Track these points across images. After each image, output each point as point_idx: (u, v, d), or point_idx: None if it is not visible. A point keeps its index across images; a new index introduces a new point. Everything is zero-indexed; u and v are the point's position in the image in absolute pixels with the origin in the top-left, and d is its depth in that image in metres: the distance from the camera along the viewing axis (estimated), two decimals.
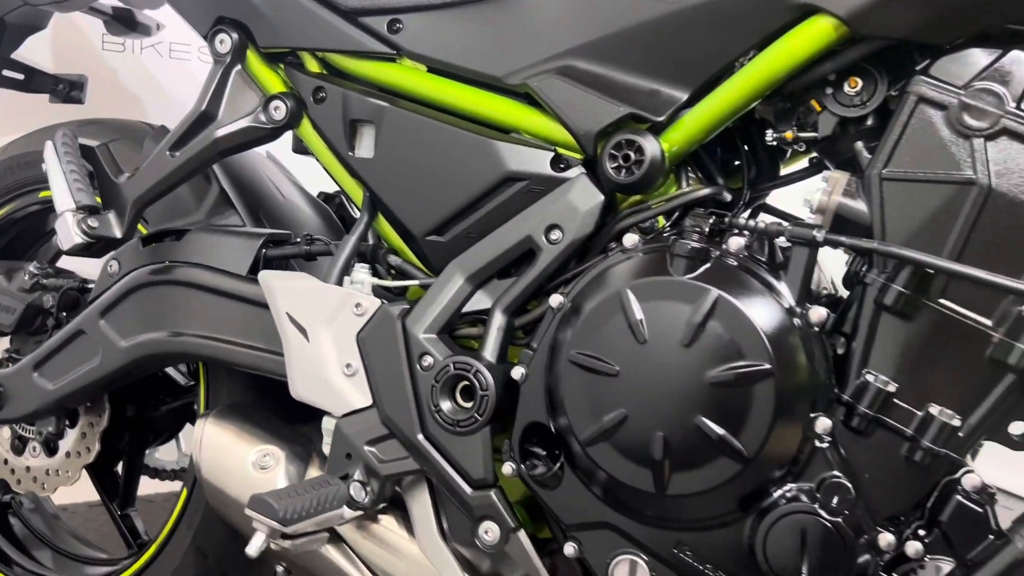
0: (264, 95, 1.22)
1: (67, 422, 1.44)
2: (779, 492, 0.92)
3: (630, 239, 1.01)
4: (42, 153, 1.29)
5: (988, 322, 0.88)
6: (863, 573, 0.90)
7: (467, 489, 1.05)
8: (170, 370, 1.56)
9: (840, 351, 0.95)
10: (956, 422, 0.88)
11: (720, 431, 0.90)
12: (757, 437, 0.89)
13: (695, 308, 0.92)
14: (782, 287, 0.94)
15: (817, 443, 0.92)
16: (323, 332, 1.13)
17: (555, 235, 1.05)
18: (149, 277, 1.27)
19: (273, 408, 1.28)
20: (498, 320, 1.07)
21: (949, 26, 0.89)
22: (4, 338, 1.48)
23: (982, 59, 0.89)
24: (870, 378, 0.91)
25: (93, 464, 1.47)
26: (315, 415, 1.17)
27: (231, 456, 1.20)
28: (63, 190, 1.23)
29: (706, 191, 1.04)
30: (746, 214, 1.15)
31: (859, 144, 0.98)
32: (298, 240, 1.26)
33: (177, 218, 1.36)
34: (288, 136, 1.26)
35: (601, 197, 1.04)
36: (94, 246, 1.24)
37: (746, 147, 1.12)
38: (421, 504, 1.11)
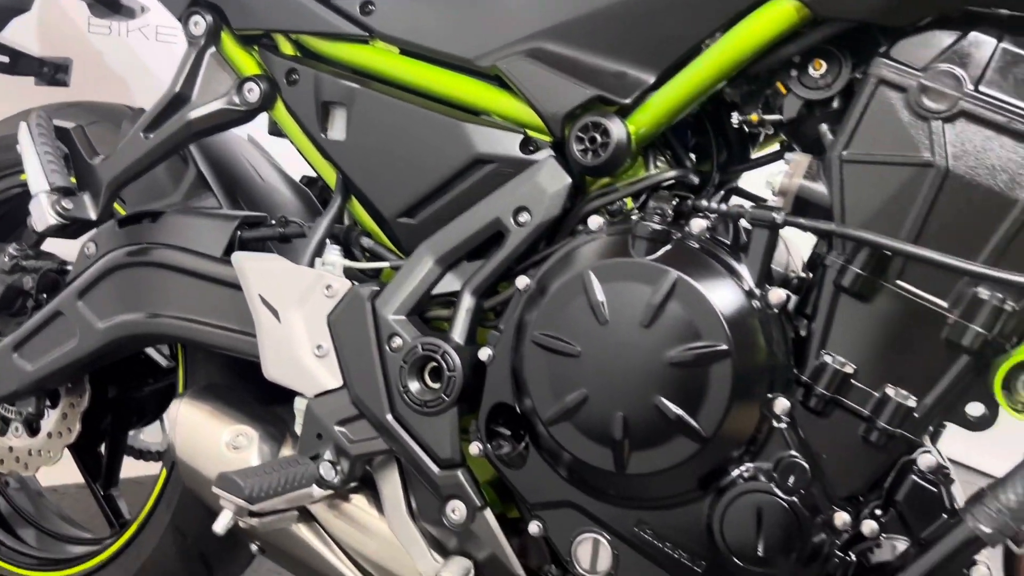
0: (238, 77, 1.22)
1: (48, 403, 1.45)
2: (737, 472, 0.93)
3: (595, 221, 1.02)
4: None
5: (944, 304, 0.88)
6: (818, 551, 0.91)
7: (434, 469, 1.06)
8: (151, 351, 1.57)
9: (803, 333, 0.95)
10: (912, 403, 0.89)
11: (678, 411, 0.91)
12: (714, 417, 0.90)
13: (655, 289, 0.92)
14: (742, 269, 0.94)
15: (775, 423, 0.92)
16: (294, 313, 1.14)
17: (523, 217, 1.06)
18: (125, 259, 1.28)
19: (250, 389, 1.29)
20: (467, 302, 1.08)
21: (908, 8, 0.89)
22: None
23: (942, 41, 0.89)
24: (828, 359, 0.91)
25: (76, 445, 1.49)
26: (290, 396, 1.18)
27: (205, 436, 1.21)
28: (37, 172, 1.24)
29: (672, 173, 1.05)
30: (719, 197, 1.15)
31: (824, 126, 0.98)
32: (273, 222, 1.27)
33: (155, 200, 1.36)
34: None
35: (568, 180, 1.05)
36: (69, 227, 1.25)
37: (716, 130, 1.12)
38: (391, 484, 1.12)
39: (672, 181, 1.05)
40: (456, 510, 1.06)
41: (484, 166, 1.09)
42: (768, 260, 0.94)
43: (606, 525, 0.99)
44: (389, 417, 1.08)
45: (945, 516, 0.89)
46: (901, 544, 0.90)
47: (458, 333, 1.07)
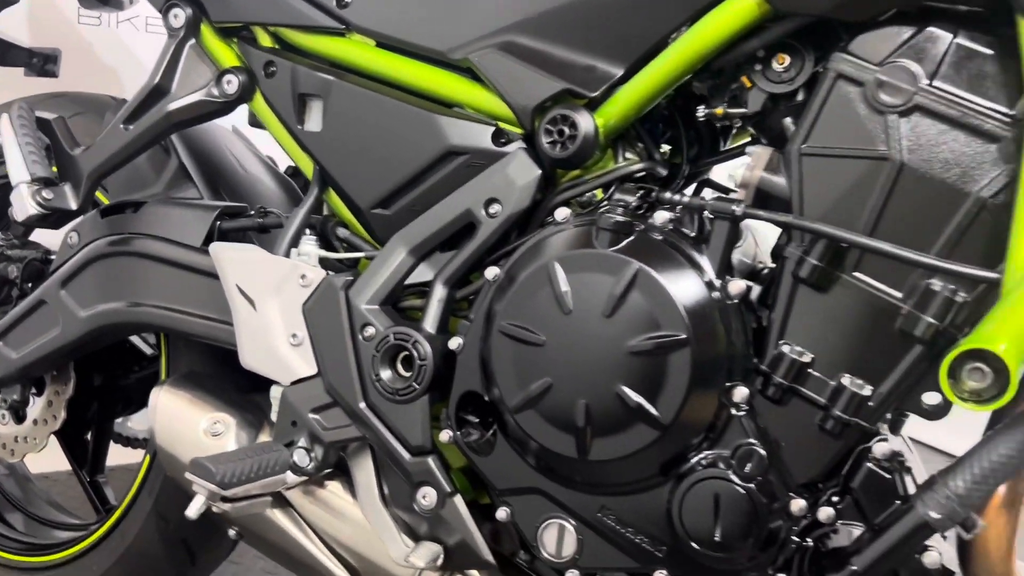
0: (217, 69, 1.24)
1: (34, 390, 1.47)
2: (696, 458, 0.95)
3: (562, 213, 1.04)
4: None
5: (898, 295, 0.89)
6: (775, 537, 0.92)
7: (406, 455, 1.08)
8: (136, 340, 1.59)
9: (765, 323, 0.97)
10: (866, 391, 0.90)
11: (638, 399, 0.93)
12: (673, 405, 0.92)
13: (616, 280, 0.94)
14: (703, 260, 0.96)
15: (734, 411, 0.94)
16: (270, 303, 1.16)
17: (494, 209, 1.07)
18: (107, 248, 1.30)
19: (229, 377, 1.31)
20: (439, 292, 1.09)
21: (866, 3, 0.90)
22: None
23: (899, 36, 0.90)
24: (786, 349, 0.93)
25: (63, 432, 1.51)
26: (269, 384, 1.19)
27: (184, 423, 1.23)
28: (18, 162, 1.26)
29: (640, 165, 1.06)
30: (686, 189, 1.17)
31: (787, 120, 0.99)
32: (252, 213, 1.29)
33: (137, 190, 1.38)
34: None
35: (538, 171, 1.06)
36: (49, 217, 1.27)
37: (686, 123, 1.13)
38: (364, 470, 1.14)
39: (642, 173, 1.07)
40: (427, 496, 1.08)
41: (457, 158, 1.11)
42: (728, 251, 0.96)
43: (571, 511, 1.01)
44: (362, 405, 1.10)
45: (898, 502, 0.90)
46: (857, 530, 0.92)
47: (430, 323, 1.08)
